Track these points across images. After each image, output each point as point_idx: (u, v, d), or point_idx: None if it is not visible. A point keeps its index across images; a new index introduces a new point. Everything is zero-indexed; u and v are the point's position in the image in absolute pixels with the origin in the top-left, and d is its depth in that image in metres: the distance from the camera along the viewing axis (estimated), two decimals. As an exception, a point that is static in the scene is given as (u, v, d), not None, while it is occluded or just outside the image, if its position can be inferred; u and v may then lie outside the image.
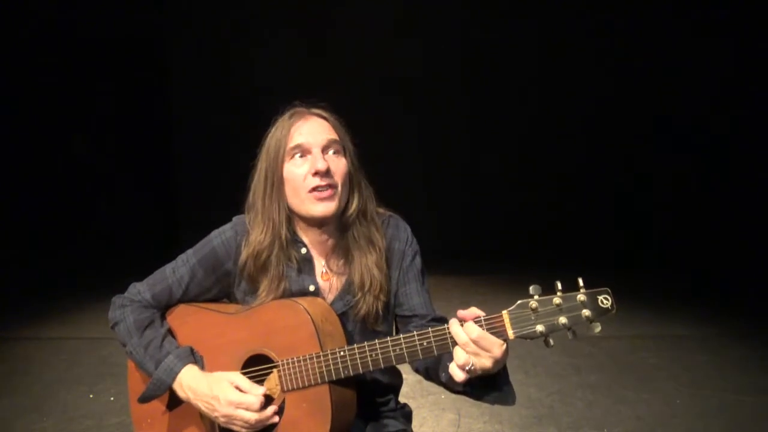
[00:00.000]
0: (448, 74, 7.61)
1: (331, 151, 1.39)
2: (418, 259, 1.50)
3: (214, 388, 1.33)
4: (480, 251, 7.05)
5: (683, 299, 5.16)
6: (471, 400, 1.34)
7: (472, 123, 7.62)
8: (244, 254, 1.42)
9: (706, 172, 6.99)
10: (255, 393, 1.32)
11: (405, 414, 1.58)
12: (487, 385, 1.27)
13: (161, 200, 8.13)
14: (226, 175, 7.68)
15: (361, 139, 1.49)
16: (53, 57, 6.34)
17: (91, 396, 3.31)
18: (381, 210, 1.51)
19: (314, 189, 1.35)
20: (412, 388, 3.12)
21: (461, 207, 7.57)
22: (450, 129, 7.63)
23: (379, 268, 1.42)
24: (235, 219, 1.49)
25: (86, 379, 3.54)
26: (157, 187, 8.06)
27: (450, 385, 1.32)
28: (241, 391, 1.33)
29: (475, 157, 7.64)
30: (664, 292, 5.43)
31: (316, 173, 1.35)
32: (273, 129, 1.43)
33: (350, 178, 1.42)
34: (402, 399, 1.61)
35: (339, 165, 1.39)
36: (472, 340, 1.16)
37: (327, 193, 1.36)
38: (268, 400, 1.33)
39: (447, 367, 1.28)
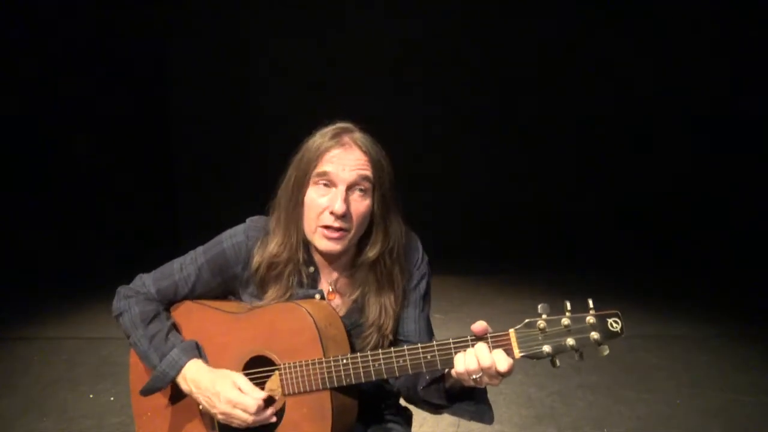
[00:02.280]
0: (450, 73, 7.61)
1: (357, 190, 1.34)
2: (423, 284, 1.46)
3: (217, 384, 1.33)
4: (480, 251, 7.05)
5: (683, 299, 5.16)
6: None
7: (474, 122, 7.62)
8: (257, 258, 1.41)
9: (706, 172, 6.99)
10: (254, 396, 1.31)
11: (406, 417, 1.58)
12: (464, 399, 1.27)
13: (161, 200, 8.13)
14: (226, 175, 7.76)
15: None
16: (54, 57, 6.34)
17: (91, 396, 3.30)
18: (404, 240, 1.46)
19: (326, 227, 1.33)
20: (412, 388, 3.11)
21: (462, 207, 7.56)
22: (451, 128, 7.63)
23: (394, 310, 1.40)
24: (248, 222, 1.48)
25: (86, 379, 3.54)
26: (157, 187, 8.06)
27: (428, 398, 1.31)
28: (241, 392, 1.32)
29: (477, 156, 7.64)
30: (664, 292, 5.43)
31: (332, 213, 1.31)
32: (312, 139, 1.38)
33: (373, 219, 1.38)
34: (402, 401, 1.61)
35: (360, 206, 1.34)
36: (499, 372, 1.15)
37: (336, 234, 1.33)
38: (268, 401, 1.33)
39: (426, 381, 1.29)
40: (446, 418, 2.96)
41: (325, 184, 1.34)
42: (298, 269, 1.41)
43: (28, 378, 3.57)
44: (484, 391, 1.28)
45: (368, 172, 1.35)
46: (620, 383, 3.40)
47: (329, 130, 1.39)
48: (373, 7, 7.61)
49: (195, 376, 1.36)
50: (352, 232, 1.34)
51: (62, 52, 6.46)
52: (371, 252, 1.38)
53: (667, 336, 4.26)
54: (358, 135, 1.38)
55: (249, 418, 1.30)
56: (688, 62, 6.92)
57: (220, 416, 1.34)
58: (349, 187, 1.33)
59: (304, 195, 1.36)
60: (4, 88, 5.77)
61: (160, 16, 7.86)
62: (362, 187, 1.34)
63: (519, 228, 7.30)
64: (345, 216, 1.31)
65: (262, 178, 1.51)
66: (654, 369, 3.64)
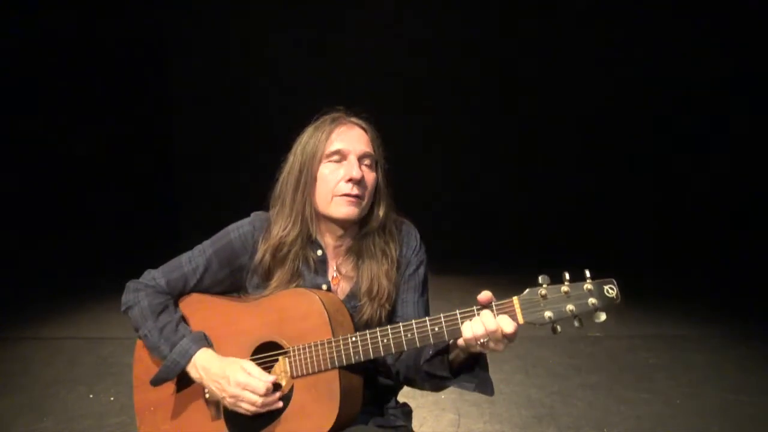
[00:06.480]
0: (451, 74, 7.62)
1: (364, 164, 1.43)
2: (422, 270, 1.52)
3: (227, 369, 1.36)
4: (480, 251, 7.05)
5: (683, 299, 5.16)
6: (471, 401, 1.34)
7: (473, 123, 7.62)
8: (262, 248, 1.44)
9: (706, 173, 7.00)
10: (263, 379, 1.34)
11: (405, 412, 1.58)
12: (467, 371, 1.31)
13: (161, 200, 8.13)
14: (226, 174, 7.77)
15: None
16: (55, 57, 6.35)
17: (91, 396, 3.30)
18: (394, 215, 1.53)
19: (344, 194, 1.39)
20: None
21: (462, 207, 7.57)
22: (451, 129, 7.64)
23: (389, 278, 1.45)
24: (253, 215, 1.52)
25: (86, 379, 3.54)
26: (158, 187, 8.06)
27: (432, 371, 1.34)
28: (250, 375, 1.35)
29: (477, 157, 7.65)
30: (664, 292, 5.43)
31: (350, 180, 1.39)
32: (312, 128, 1.47)
33: (376, 192, 1.46)
34: (402, 398, 1.61)
35: (369, 177, 1.44)
36: (505, 334, 1.18)
37: (353, 199, 1.40)
38: (275, 387, 1.35)
39: (429, 354, 1.32)
40: (446, 418, 2.96)
41: (336, 160, 1.42)
42: (305, 254, 1.45)
43: (28, 378, 3.57)
44: (485, 364, 1.32)
45: (371, 149, 1.46)
46: (620, 383, 3.40)
47: (327, 117, 1.48)
48: (374, 7, 7.62)
49: (205, 364, 1.39)
50: (365, 200, 1.42)
51: (63, 52, 6.46)
52: (375, 222, 1.46)
53: (667, 336, 4.26)
54: (353, 118, 1.49)
55: (258, 400, 1.32)
56: (691, 62, 6.93)
57: (229, 400, 1.35)
58: (359, 159, 1.42)
59: (315, 174, 1.42)
60: (4, 88, 5.77)
61: (162, 15, 7.86)
62: (367, 162, 1.45)
63: (519, 228, 7.30)
64: (361, 182, 1.40)
65: (263, 178, 1.53)
66: (654, 369, 3.64)
